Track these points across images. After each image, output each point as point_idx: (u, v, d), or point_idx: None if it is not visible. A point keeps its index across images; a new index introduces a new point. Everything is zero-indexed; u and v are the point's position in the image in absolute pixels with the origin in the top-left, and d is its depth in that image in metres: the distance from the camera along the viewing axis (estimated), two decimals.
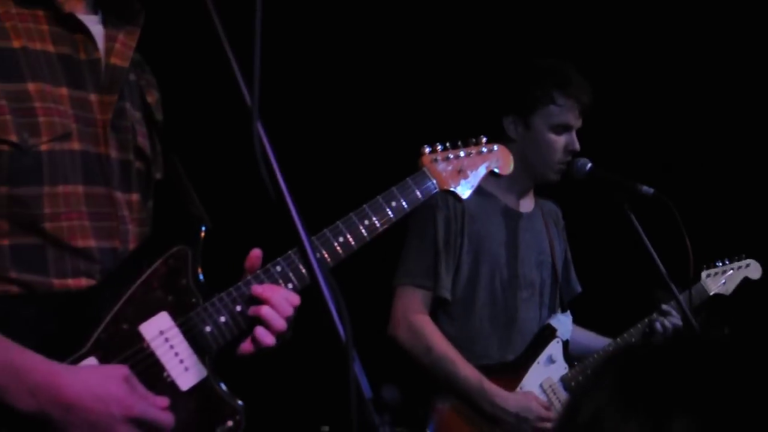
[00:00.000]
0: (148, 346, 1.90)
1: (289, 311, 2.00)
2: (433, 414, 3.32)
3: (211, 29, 1.64)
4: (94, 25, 1.98)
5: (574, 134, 3.41)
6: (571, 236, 3.71)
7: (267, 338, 1.96)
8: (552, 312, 3.56)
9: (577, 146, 3.41)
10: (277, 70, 1.74)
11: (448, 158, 2.42)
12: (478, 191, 3.21)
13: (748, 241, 3.64)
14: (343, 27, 4.64)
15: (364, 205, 2.17)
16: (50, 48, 1.91)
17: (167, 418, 1.83)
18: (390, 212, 2.21)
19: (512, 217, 3.53)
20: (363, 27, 4.90)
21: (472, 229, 3.41)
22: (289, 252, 2.08)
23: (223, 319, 1.99)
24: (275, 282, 2.05)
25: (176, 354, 1.92)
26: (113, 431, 1.77)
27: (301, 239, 1.54)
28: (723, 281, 3.59)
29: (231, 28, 1.65)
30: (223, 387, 1.97)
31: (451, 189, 2.42)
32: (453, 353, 3.30)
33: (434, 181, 2.36)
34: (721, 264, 3.58)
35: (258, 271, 2.04)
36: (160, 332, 1.91)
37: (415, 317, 3.32)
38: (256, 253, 2.05)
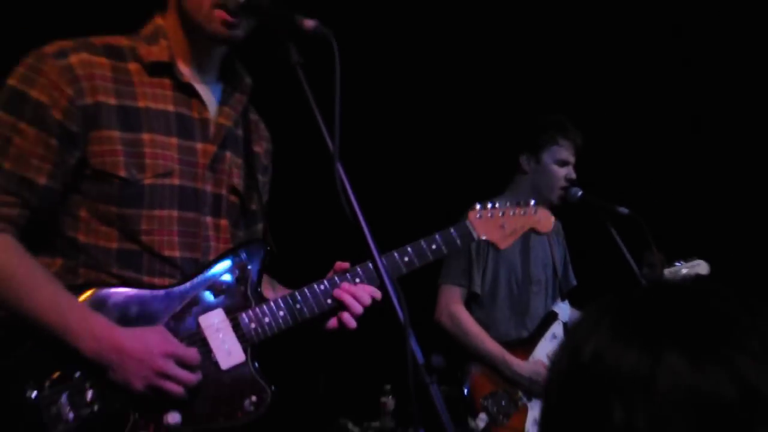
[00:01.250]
0: (203, 333, 1.88)
1: (368, 302, 1.97)
2: (467, 376, 3.36)
3: (304, 97, 1.68)
4: (207, 92, 1.98)
5: (571, 168, 3.48)
6: (569, 243, 3.75)
7: (351, 322, 1.97)
8: (554, 301, 3.58)
9: (574, 176, 3.47)
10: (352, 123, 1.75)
11: (491, 215, 2.29)
12: None
13: (698, 246, 3.68)
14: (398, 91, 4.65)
15: (407, 245, 2.09)
16: (170, 107, 1.90)
17: (196, 361, 1.81)
18: (429, 254, 2.11)
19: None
20: (424, 91, 4.89)
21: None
22: (357, 267, 2.04)
23: (271, 318, 1.93)
24: (352, 281, 2.01)
25: (223, 341, 1.89)
26: (152, 363, 1.74)
27: (370, 246, 1.59)
28: (680, 277, 3.44)
29: (317, 89, 1.69)
30: (256, 371, 1.91)
31: (488, 239, 2.30)
32: (482, 333, 3.36)
33: (474, 232, 2.24)
34: (678, 264, 3.57)
35: (343, 274, 2.01)
36: (214, 324, 1.89)
37: (455, 307, 3.38)
38: (343, 264, 2.03)
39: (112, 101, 1.82)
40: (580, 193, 3.46)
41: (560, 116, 3.55)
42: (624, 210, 3.42)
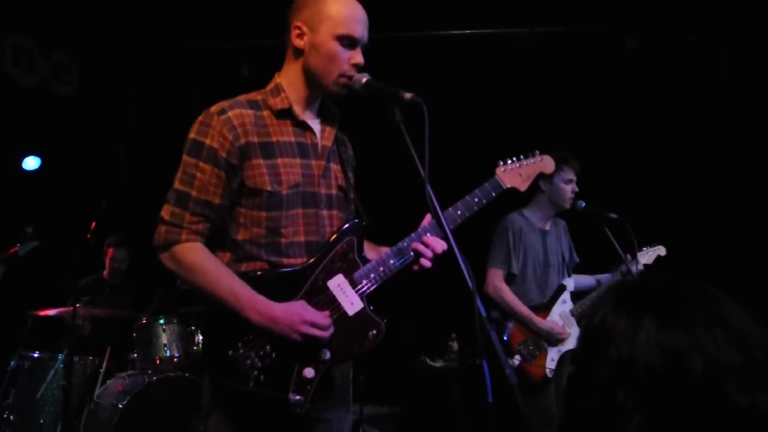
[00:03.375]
0: (331, 292, 1.83)
1: (438, 249, 1.87)
2: (506, 329, 3.34)
3: (404, 142, 1.65)
4: (315, 124, 1.92)
5: (574, 184, 3.44)
6: (577, 240, 3.67)
7: (426, 263, 1.88)
8: (563, 277, 3.51)
9: (577, 189, 3.45)
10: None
11: (512, 167, 2.12)
12: (527, 221, 3.43)
13: (657, 234, 3.63)
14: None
15: (458, 202, 1.95)
16: (292, 138, 1.87)
17: (326, 323, 1.77)
18: (474, 206, 1.96)
19: (542, 234, 3.52)
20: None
21: (525, 238, 3.43)
22: (424, 225, 1.93)
23: (375, 273, 1.86)
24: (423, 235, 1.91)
25: (346, 296, 1.84)
26: (298, 327, 1.73)
27: (451, 241, 1.56)
28: (647, 257, 3.50)
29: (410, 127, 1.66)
30: (372, 311, 1.85)
31: (512, 185, 2.10)
32: (516, 300, 3.36)
33: (502, 183, 2.06)
34: (645, 248, 3.51)
35: (416, 232, 1.92)
36: (338, 285, 1.84)
37: (498, 283, 3.39)
38: (428, 218, 1.93)
39: (256, 139, 1.81)
40: (584, 204, 3.46)
41: (563, 151, 3.47)
42: (614, 216, 3.39)
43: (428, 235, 1.90)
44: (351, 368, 2.01)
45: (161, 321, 3.88)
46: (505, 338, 3.32)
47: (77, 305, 3.68)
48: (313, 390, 1.77)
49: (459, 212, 1.94)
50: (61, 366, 3.74)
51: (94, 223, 3.65)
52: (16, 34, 4.63)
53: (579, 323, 3.46)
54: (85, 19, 4.86)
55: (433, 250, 1.87)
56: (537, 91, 5.12)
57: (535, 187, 3.50)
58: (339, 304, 1.84)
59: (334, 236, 1.88)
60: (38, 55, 4.81)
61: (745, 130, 4.86)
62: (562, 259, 3.57)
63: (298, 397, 1.74)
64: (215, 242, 1.85)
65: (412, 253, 1.89)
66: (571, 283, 3.52)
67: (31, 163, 4.84)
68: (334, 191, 1.93)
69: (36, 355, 3.80)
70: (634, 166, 5.03)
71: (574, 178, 3.47)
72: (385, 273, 1.88)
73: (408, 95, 1.67)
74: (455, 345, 4.45)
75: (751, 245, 4.69)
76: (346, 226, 1.91)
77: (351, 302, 1.84)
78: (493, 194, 2.02)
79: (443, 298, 3.79)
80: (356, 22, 1.84)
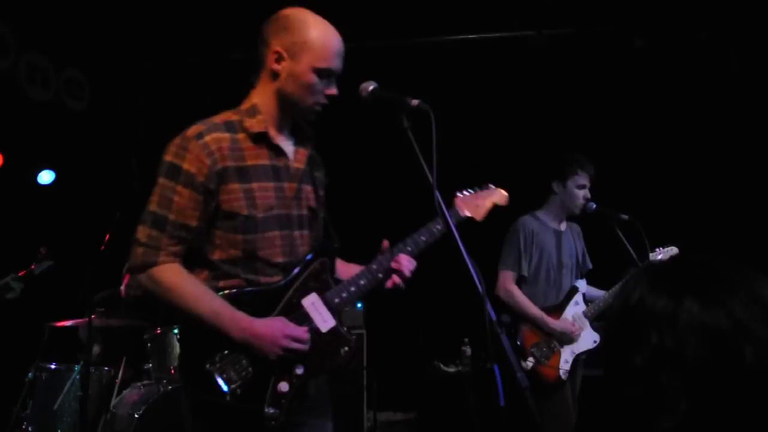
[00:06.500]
0: (305, 310, 1.88)
1: (411, 268, 1.94)
2: (519, 332, 3.34)
3: (411, 147, 1.67)
4: (288, 146, 1.95)
5: (587, 190, 3.45)
6: (589, 241, 3.67)
7: (398, 280, 1.94)
8: (576, 279, 3.52)
9: (589, 195, 3.45)
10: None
11: (469, 198, 2.19)
12: (540, 223, 3.43)
13: (669, 235, 3.59)
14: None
15: (421, 228, 2.01)
16: (267, 162, 1.89)
17: (306, 337, 1.82)
18: (436, 232, 1.99)
19: (557, 234, 3.51)
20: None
21: (538, 240, 3.42)
22: (408, 238, 1.99)
23: (347, 292, 1.92)
24: (406, 251, 1.97)
25: (319, 314, 1.89)
26: (280, 342, 1.77)
27: (460, 247, 1.56)
28: (659, 258, 3.41)
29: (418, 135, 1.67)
30: (344, 330, 1.91)
31: (468, 215, 2.15)
32: (528, 302, 3.36)
33: (460, 212, 2.13)
34: (659, 249, 3.47)
35: (392, 248, 1.97)
36: (312, 303, 1.89)
37: (509, 286, 3.38)
38: (386, 243, 1.99)
39: (232, 164, 1.83)
40: (594, 206, 3.46)
41: (579, 154, 3.50)
42: (625, 216, 3.41)
43: (401, 255, 1.95)
44: (326, 380, 2.02)
45: (175, 331, 3.89)
46: (518, 342, 3.30)
47: (92, 317, 3.71)
48: (287, 403, 1.81)
49: (423, 238, 2.00)
50: (77, 377, 3.77)
51: (108, 235, 3.69)
52: (30, 51, 4.72)
53: (593, 321, 3.44)
54: (97, 35, 4.95)
55: (401, 271, 1.93)
56: (547, 93, 5.11)
57: (548, 190, 3.53)
58: (312, 321, 1.88)
59: (308, 257, 1.93)
60: (52, 72, 4.90)
61: (756, 129, 4.83)
62: (576, 261, 3.56)
63: (273, 410, 1.78)
64: (192, 261, 1.86)
65: (380, 275, 1.95)
66: (583, 285, 3.52)
67: (45, 177, 4.91)
68: (305, 212, 1.96)
69: (53, 366, 3.83)
70: (645, 167, 5.03)
71: (588, 184, 3.47)
72: (356, 292, 1.94)
73: (415, 102, 1.69)
74: (468, 350, 4.46)
75: (764, 243, 4.62)
76: (319, 247, 1.96)
77: (324, 320, 1.90)
78: (453, 219, 1.99)
79: (455, 304, 3.66)
80: (336, 56, 1.87)
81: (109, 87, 5.33)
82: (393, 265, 1.95)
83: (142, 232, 1.83)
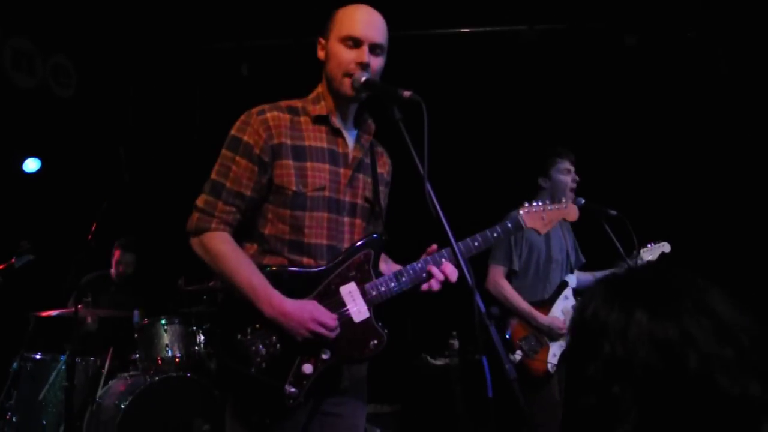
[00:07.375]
0: (342, 298, 1.89)
1: (454, 279, 1.91)
2: (508, 326, 3.35)
3: (403, 140, 1.67)
4: (349, 133, 2.00)
5: (573, 173, 3.44)
6: (578, 235, 3.67)
7: (435, 286, 1.93)
8: (565, 273, 3.51)
9: (577, 178, 3.44)
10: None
11: (535, 210, 2.19)
12: None
13: (657, 231, 3.60)
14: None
15: (477, 234, 2.00)
16: (324, 144, 1.94)
17: (334, 324, 1.83)
18: (492, 239, 2.01)
19: None
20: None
21: (527, 234, 3.42)
22: (443, 250, 1.95)
23: (386, 287, 1.91)
24: (439, 260, 1.94)
25: (355, 303, 1.90)
26: (307, 324, 1.79)
27: (449, 235, 1.62)
28: (650, 253, 3.49)
29: (411, 128, 1.67)
30: (377, 323, 1.91)
31: (533, 227, 2.17)
32: (517, 297, 3.37)
33: (523, 223, 2.14)
34: (649, 245, 3.49)
35: (432, 255, 1.94)
36: (349, 292, 1.90)
37: (499, 280, 3.40)
38: (433, 247, 1.96)
39: (288, 141, 1.90)
40: (582, 201, 3.31)
41: (561, 146, 3.50)
42: (613, 212, 3.41)
43: (445, 261, 1.93)
44: (365, 370, 2.05)
45: (163, 321, 3.89)
46: (507, 335, 3.32)
47: (79, 306, 3.70)
48: (309, 385, 1.84)
49: (476, 243, 1.99)
50: (63, 367, 3.76)
51: (95, 225, 3.67)
52: (15, 36, 4.64)
53: None
54: (84, 20, 4.88)
55: (447, 278, 1.91)
56: (537, 88, 5.14)
57: (536, 187, 3.53)
58: (347, 310, 1.90)
59: (355, 246, 1.94)
60: (38, 57, 4.83)
61: (745, 127, 4.86)
62: (566, 255, 3.56)
63: (293, 390, 1.82)
64: (244, 234, 1.94)
65: (424, 275, 1.93)
66: (573, 279, 3.52)
67: (31, 165, 4.87)
68: (359, 200, 1.99)
69: (38, 356, 3.82)
70: (634, 163, 5.04)
71: (572, 167, 3.46)
72: (396, 288, 1.93)
73: (407, 93, 1.70)
74: (456, 343, 4.45)
75: (751, 241, 4.68)
76: (367, 238, 1.97)
77: (359, 310, 1.90)
78: (512, 231, 2.09)
79: (444, 296, 3.67)
80: (358, 22, 1.91)
81: (97, 74, 5.26)
82: (437, 269, 1.92)
83: (201, 199, 1.92)
